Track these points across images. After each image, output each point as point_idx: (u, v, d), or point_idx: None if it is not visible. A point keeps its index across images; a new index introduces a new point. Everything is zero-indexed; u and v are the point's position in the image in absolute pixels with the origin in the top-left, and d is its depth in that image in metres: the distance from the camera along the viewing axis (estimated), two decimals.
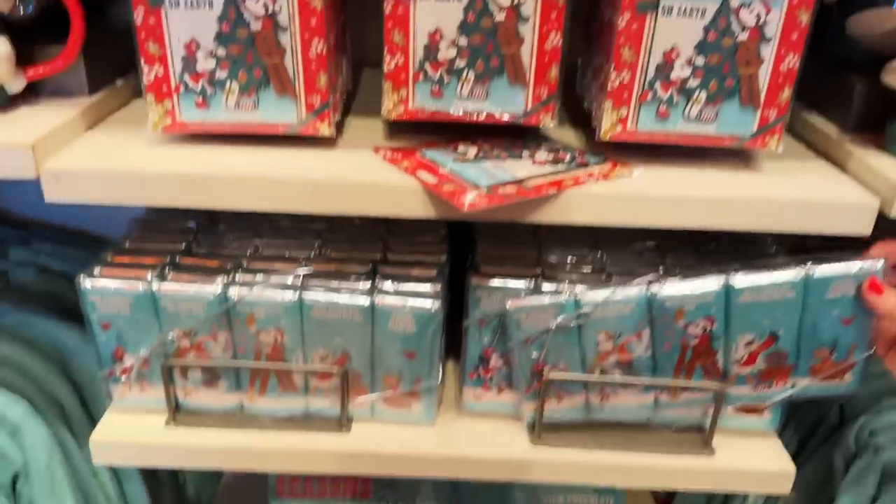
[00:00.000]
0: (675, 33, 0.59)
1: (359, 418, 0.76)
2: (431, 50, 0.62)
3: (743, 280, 0.66)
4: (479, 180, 0.60)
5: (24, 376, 0.82)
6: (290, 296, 0.67)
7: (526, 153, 0.66)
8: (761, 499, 0.91)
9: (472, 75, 0.63)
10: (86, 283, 0.68)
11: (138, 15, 0.59)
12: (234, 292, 0.67)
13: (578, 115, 0.76)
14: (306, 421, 0.75)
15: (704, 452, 0.74)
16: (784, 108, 0.62)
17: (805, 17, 0.58)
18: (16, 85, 0.66)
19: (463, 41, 0.62)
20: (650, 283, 0.67)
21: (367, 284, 0.69)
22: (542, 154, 0.66)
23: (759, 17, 0.58)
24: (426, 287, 0.69)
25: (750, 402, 0.73)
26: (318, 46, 0.61)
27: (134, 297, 0.68)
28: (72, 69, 0.68)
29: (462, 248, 0.77)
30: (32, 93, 0.69)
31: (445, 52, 0.62)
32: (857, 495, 0.76)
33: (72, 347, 0.89)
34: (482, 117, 0.65)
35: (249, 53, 0.61)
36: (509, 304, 0.68)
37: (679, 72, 0.60)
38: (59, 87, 0.71)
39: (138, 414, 0.76)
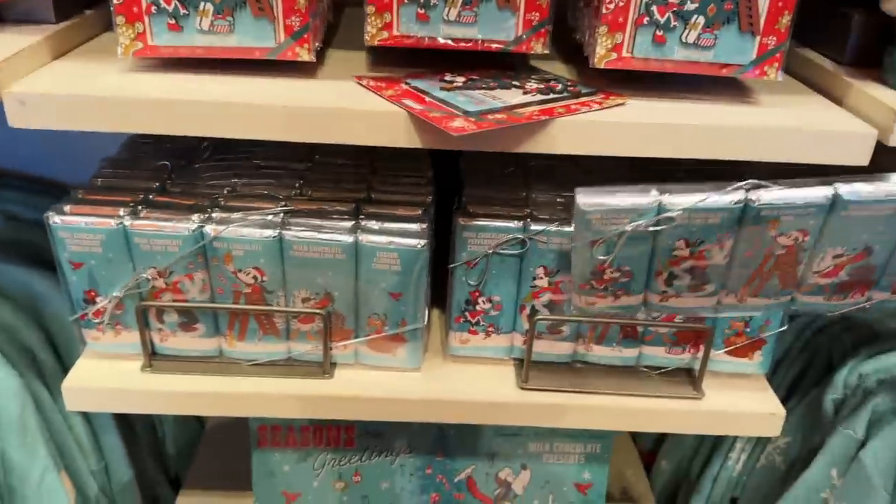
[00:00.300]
0: None
1: (342, 364, 0.73)
2: None
3: (850, 192, 0.60)
4: (468, 107, 0.57)
5: None
6: (269, 233, 0.64)
7: (516, 83, 0.64)
8: (746, 452, 0.91)
9: None
10: (55, 219, 0.65)
11: None
12: (211, 229, 0.64)
13: (571, 49, 0.73)
14: (288, 366, 0.73)
15: (694, 395, 0.72)
16: (784, 35, 0.59)
17: None
18: None
19: None
20: (748, 189, 0.60)
21: (350, 223, 0.66)
22: (532, 84, 0.64)
23: None
24: (412, 226, 0.67)
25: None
26: None
27: (105, 234, 0.65)
28: None
29: (449, 192, 0.75)
30: None
31: None
32: (846, 438, 0.76)
33: (44, 294, 0.86)
34: (473, 43, 0.62)
35: None
36: (581, 201, 0.59)
37: None
38: (25, 13, 0.67)
39: (113, 360, 0.73)
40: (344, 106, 0.57)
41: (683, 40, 0.59)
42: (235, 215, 0.66)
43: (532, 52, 0.63)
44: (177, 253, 0.65)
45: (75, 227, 0.65)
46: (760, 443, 0.88)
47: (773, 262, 0.64)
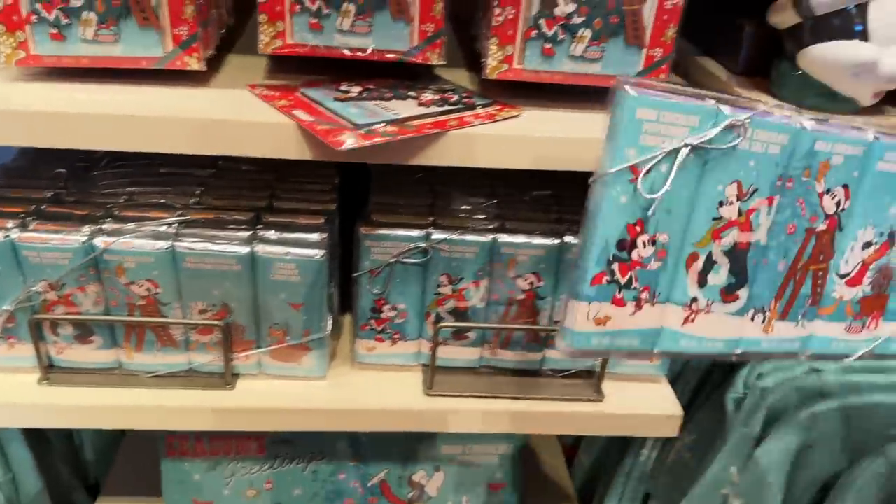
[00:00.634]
0: None
1: (246, 374, 0.73)
2: None
3: None
4: (358, 119, 0.57)
5: None
6: (161, 244, 0.63)
7: (412, 94, 0.63)
8: (657, 449, 0.93)
9: (352, 7, 0.60)
10: None
11: None
12: (101, 241, 0.63)
13: (476, 58, 0.73)
14: (189, 378, 0.72)
15: (594, 398, 0.74)
16: (669, 48, 0.60)
17: None
18: None
19: None
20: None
21: (247, 233, 0.65)
22: (428, 95, 0.64)
23: None
24: (312, 235, 0.66)
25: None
26: None
27: None
28: None
29: (363, 195, 0.75)
30: None
31: None
32: (743, 436, 0.78)
33: None
34: (367, 53, 0.62)
35: None
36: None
37: (563, 7, 0.58)
38: None
39: (8, 373, 0.71)
40: (230, 118, 0.56)
41: (571, 53, 0.60)
42: (128, 226, 0.65)
43: (429, 63, 0.63)
44: (67, 266, 0.64)
45: None
46: (670, 440, 0.91)
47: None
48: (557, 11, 0.58)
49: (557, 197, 0.75)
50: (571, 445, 1.14)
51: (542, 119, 0.61)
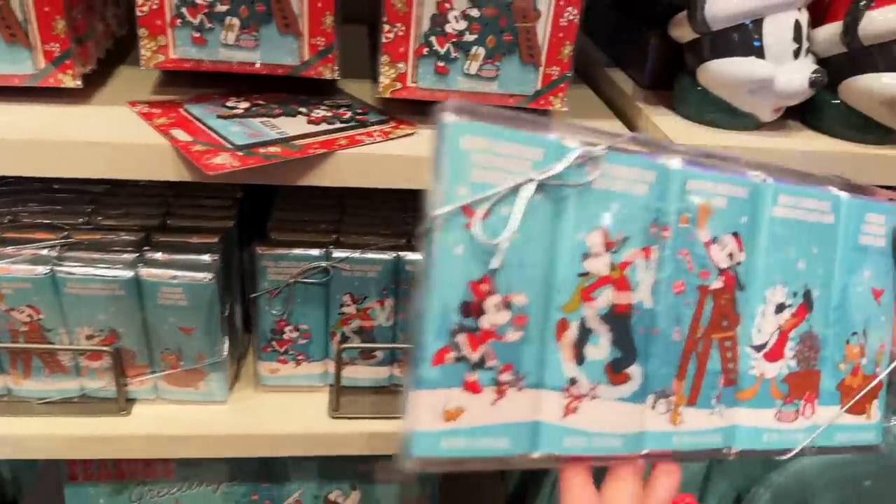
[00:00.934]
0: None
1: (143, 399, 0.70)
2: None
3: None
4: (238, 139, 0.55)
5: None
6: (41, 269, 0.60)
7: (303, 110, 0.61)
8: None
9: (236, 21, 0.57)
10: None
11: None
12: None
13: None
14: (82, 404, 0.68)
15: None
16: (567, 66, 0.59)
17: None
18: None
19: None
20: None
21: (133, 255, 0.63)
22: (320, 111, 0.61)
23: None
24: (202, 257, 0.64)
25: None
26: None
27: None
28: None
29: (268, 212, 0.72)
30: None
31: None
32: None
33: None
34: (256, 67, 0.59)
35: None
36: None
37: (454, 24, 0.56)
38: None
39: None
40: (102, 139, 0.53)
41: (466, 71, 0.58)
42: (7, 250, 0.61)
43: (322, 77, 0.61)
44: None
45: None
46: None
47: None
48: (448, 29, 0.56)
49: None
50: None
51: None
